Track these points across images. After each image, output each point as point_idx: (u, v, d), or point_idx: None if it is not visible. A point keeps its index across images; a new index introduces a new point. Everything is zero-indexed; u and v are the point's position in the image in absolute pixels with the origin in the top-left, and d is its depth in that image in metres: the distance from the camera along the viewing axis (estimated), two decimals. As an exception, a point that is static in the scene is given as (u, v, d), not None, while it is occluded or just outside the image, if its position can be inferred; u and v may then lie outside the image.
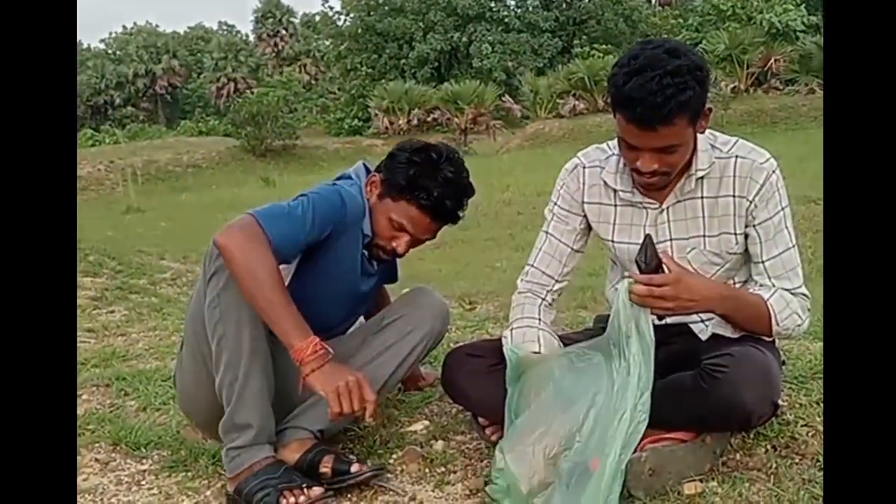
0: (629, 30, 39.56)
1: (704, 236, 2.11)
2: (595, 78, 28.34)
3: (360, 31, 40.62)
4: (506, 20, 39.18)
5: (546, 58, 38.55)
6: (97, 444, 2.56)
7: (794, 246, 2.09)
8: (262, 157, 26.16)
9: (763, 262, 2.09)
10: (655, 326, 1.92)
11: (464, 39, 39.18)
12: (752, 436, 2.16)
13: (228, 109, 37.01)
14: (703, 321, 2.17)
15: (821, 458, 2.01)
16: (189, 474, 2.32)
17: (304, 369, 1.95)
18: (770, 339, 2.17)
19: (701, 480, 1.97)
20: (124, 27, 68.22)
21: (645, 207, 2.15)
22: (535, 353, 2.14)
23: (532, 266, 2.32)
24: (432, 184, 2.19)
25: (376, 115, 31.74)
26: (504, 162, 19.12)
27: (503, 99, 32.13)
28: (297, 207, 2.09)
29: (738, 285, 2.18)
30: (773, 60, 27.81)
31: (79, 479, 2.33)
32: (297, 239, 2.08)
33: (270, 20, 60.04)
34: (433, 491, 2.12)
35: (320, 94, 46.03)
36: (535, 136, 27.79)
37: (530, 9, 40.29)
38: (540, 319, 2.25)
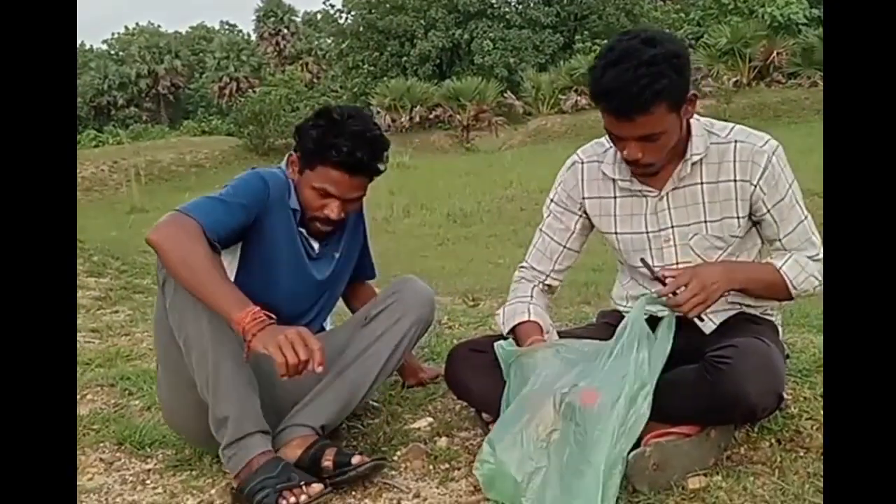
0: (631, 24, 39.37)
1: (706, 222, 2.12)
2: (597, 73, 28.17)
3: (361, 28, 40.57)
4: (507, 16, 39.09)
5: (548, 54, 38.46)
6: (102, 444, 2.56)
7: (806, 217, 2.11)
8: (264, 156, 26.07)
9: (780, 239, 2.13)
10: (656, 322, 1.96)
11: (465, 36, 39.10)
12: (756, 430, 2.16)
13: (231, 109, 36.99)
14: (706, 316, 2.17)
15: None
16: (193, 473, 2.32)
17: (246, 337, 1.91)
18: (774, 332, 2.17)
19: (705, 475, 1.97)
20: (126, 28, 68.24)
21: (644, 196, 2.16)
22: (524, 322, 2.22)
23: (526, 262, 2.39)
24: (340, 140, 2.17)
25: (378, 112, 31.59)
26: (506, 158, 19.09)
27: (505, 95, 32.06)
28: (220, 194, 2.14)
29: None
30: (775, 54, 27.71)
31: (83, 478, 2.34)
32: (226, 221, 2.10)
33: (272, 19, 59.96)
34: (437, 487, 2.12)
35: (322, 93, 45.92)
36: (538, 132, 27.74)
37: (531, 5, 40.16)
38: (531, 297, 2.32)
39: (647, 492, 1.90)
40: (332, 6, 50.81)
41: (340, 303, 2.64)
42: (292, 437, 2.18)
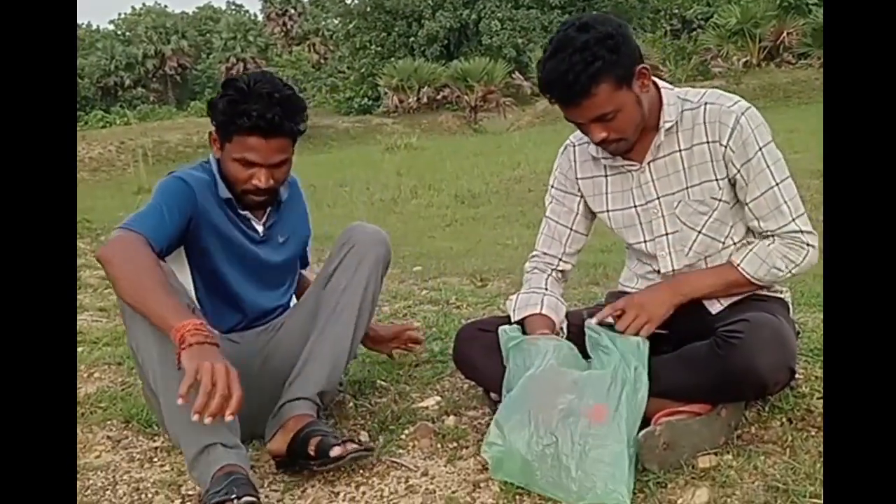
0: (640, 5, 39.18)
1: (687, 188, 2.13)
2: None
3: (368, 9, 40.36)
4: (515, -4, 38.91)
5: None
6: (109, 422, 2.56)
7: (777, 185, 2.06)
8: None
9: (748, 203, 2.10)
10: None
11: (473, 16, 38.87)
12: (767, 409, 2.15)
13: (238, 90, 36.93)
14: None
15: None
16: (201, 451, 2.31)
17: (181, 345, 1.81)
18: (785, 308, 2.17)
19: (716, 454, 1.96)
20: (133, 8, 68.18)
21: (629, 171, 2.19)
22: (535, 314, 2.22)
23: (536, 249, 2.40)
24: (248, 105, 2.10)
25: (386, 93, 31.58)
26: (514, 139, 19.00)
27: (513, 76, 31.90)
28: (152, 205, 2.11)
29: (732, 247, 2.17)
30: (785, 34, 27.46)
31: (91, 456, 2.34)
32: (167, 227, 2.08)
33: (279, -1, 59.87)
34: (445, 466, 2.11)
35: (330, 74, 45.80)
36: (546, 112, 27.59)
37: (540, -16, 39.95)
38: (546, 288, 2.31)
39: (657, 471, 1.89)
40: (339, -14, 50.57)
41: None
42: (288, 417, 2.12)
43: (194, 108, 40.37)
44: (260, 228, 2.32)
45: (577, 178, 2.31)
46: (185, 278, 2.25)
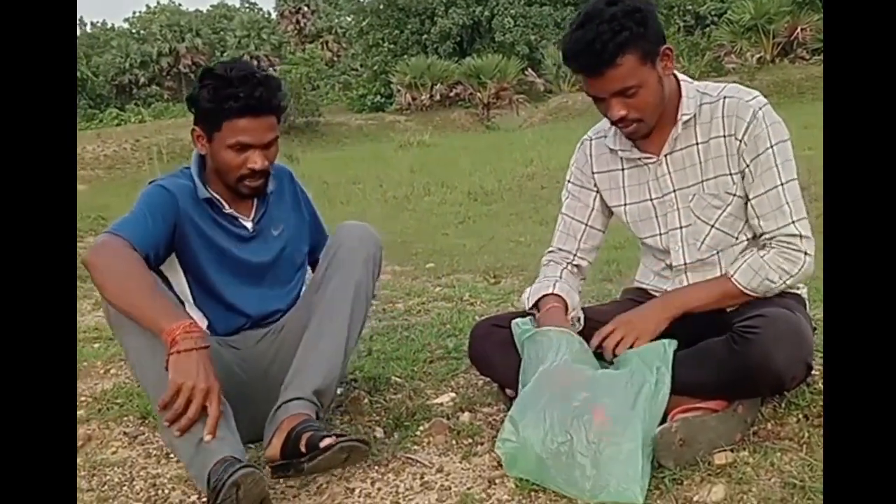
0: (653, 0, 39.07)
1: (702, 181, 2.13)
2: (619, 50, 27.97)
3: (381, 6, 40.37)
4: (528, -7, 38.82)
5: (569, 31, 38.16)
6: (125, 418, 2.57)
7: (782, 184, 2.05)
8: (285, 135, 26.02)
9: (751, 199, 2.09)
10: None
11: (486, 13, 38.85)
12: (783, 405, 2.14)
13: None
14: None
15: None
16: (217, 447, 2.32)
17: (171, 349, 1.83)
18: (801, 304, 2.16)
19: (732, 450, 1.95)
20: (147, 6, 68.71)
21: (645, 164, 2.19)
22: (547, 294, 2.25)
23: (552, 245, 2.41)
24: (235, 89, 2.11)
25: (399, 90, 31.60)
26: (527, 136, 18.99)
27: (526, 73, 31.88)
28: (134, 213, 2.12)
29: (745, 243, 2.16)
30: (799, 30, 27.29)
31: (108, 452, 2.35)
32: (152, 232, 2.08)
33: (292, -3, 59.93)
34: (460, 462, 2.11)
35: (343, 71, 45.87)
36: (559, 109, 27.57)
37: (553, -19, 39.85)
38: (559, 276, 2.32)
39: (673, 467, 1.89)
40: (353, -16, 50.57)
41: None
42: (282, 419, 2.03)
43: (208, 105, 40.43)
44: (249, 225, 2.31)
45: (593, 173, 2.31)
46: (182, 287, 2.26)
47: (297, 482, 2.07)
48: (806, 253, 2.06)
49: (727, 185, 2.10)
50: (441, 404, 2.50)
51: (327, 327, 2.16)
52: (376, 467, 2.11)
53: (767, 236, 2.09)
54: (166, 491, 2.09)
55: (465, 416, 2.37)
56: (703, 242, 2.16)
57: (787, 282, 2.08)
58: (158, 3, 66.00)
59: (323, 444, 1.89)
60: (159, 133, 24.10)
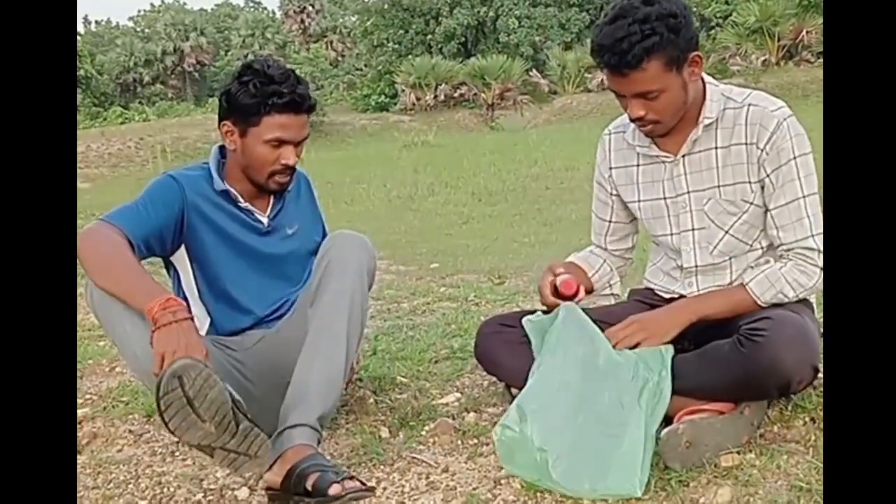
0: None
1: (719, 186, 2.12)
2: (623, 52, 27.98)
3: (386, 6, 40.42)
4: (533, -6, 38.82)
5: (574, 32, 38.14)
6: (131, 416, 2.58)
7: (803, 197, 2.05)
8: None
9: (771, 210, 2.09)
10: None
11: (490, 14, 38.89)
12: (790, 408, 2.14)
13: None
14: None
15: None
16: (222, 445, 2.32)
17: (153, 326, 1.86)
18: (808, 308, 2.16)
19: (738, 453, 1.95)
20: (152, 5, 68.49)
21: (662, 161, 2.19)
22: (566, 262, 2.31)
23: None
24: (279, 86, 2.14)
25: (403, 90, 31.66)
26: (531, 137, 18.97)
27: (530, 74, 31.94)
28: (134, 201, 2.14)
29: (760, 251, 2.16)
30: (804, 32, 27.27)
31: (113, 450, 2.36)
32: (147, 221, 2.10)
33: (297, -4, 59.97)
34: (465, 463, 2.11)
35: (347, 71, 45.99)
36: (563, 110, 27.58)
37: (558, -18, 39.86)
38: (588, 254, 2.40)
39: (679, 469, 1.88)
40: (357, -16, 50.56)
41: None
42: (286, 448, 1.98)
43: (212, 104, 40.50)
44: (265, 220, 2.31)
45: (610, 168, 2.32)
46: (188, 281, 2.26)
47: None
48: (822, 268, 2.05)
49: (745, 192, 2.10)
50: (446, 404, 2.50)
51: (324, 348, 2.11)
52: (381, 467, 2.11)
53: (785, 248, 2.09)
54: (171, 489, 2.09)
55: (471, 417, 2.37)
56: (715, 247, 2.16)
57: (801, 294, 2.09)
58: (163, 1, 66.16)
59: (332, 491, 1.85)
60: (163, 131, 24.17)
